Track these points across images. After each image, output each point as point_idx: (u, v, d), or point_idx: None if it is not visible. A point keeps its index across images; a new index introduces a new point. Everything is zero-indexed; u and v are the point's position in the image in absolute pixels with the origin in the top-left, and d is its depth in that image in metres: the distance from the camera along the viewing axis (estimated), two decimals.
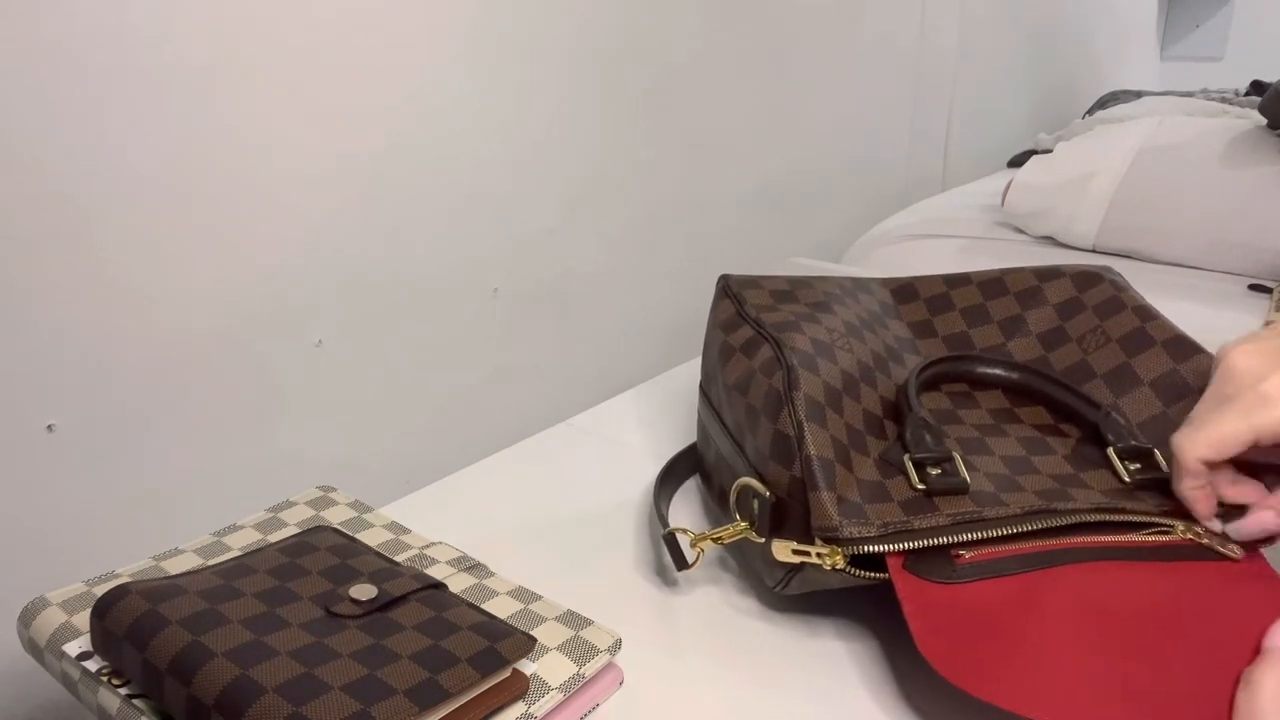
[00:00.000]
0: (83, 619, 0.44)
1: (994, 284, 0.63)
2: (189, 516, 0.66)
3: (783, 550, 0.46)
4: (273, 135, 0.66)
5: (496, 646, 0.41)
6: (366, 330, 0.76)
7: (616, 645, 0.45)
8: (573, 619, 0.46)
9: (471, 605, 0.45)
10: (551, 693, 0.42)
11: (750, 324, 0.58)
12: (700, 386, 0.64)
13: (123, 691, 0.41)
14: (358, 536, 0.52)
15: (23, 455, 0.58)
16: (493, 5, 0.78)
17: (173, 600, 0.42)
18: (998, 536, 0.45)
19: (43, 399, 0.58)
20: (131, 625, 0.41)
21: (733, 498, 0.51)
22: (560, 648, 0.44)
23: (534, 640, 0.43)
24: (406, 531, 0.54)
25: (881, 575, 0.45)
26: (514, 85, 0.82)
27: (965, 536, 0.45)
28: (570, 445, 0.72)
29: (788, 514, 0.47)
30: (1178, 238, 1.23)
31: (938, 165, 1.66)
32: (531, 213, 0.88)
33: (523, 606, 0.47)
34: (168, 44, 0.59)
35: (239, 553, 0.50)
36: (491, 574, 0.50)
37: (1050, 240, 1.30)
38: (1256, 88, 1.86)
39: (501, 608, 0.47)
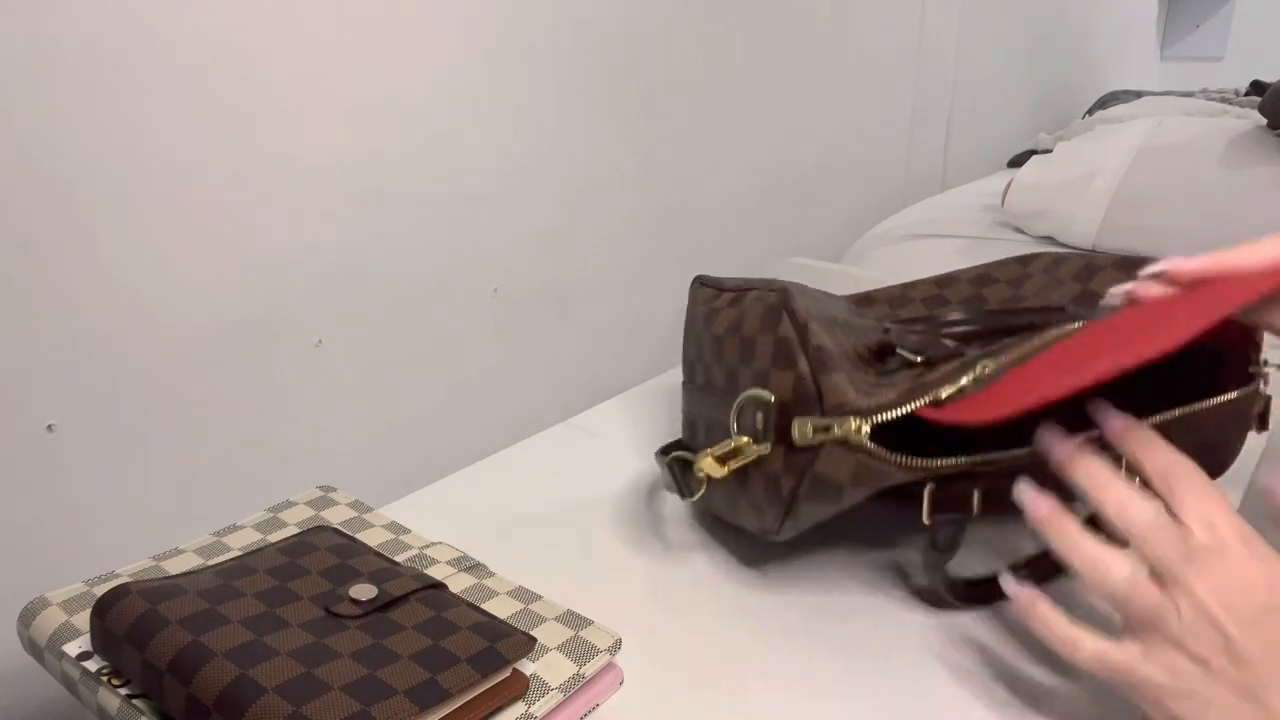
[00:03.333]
0: (83, 619, 0.44)
1: (945, 278, 0.67)
2: (189, 516, 0.66)
3: (803, 429, 0.45)
4: (272, 135, 0.66)
5: (496, 646, 0.41)
6: (366, 330, 0.76)
7: (616, 645, 0.45)
8: (573, 619, 0.46)
9: (471, 605, 0.45)
10: (551, 693, 0.42)
11: (731, 290, 0.58)
12: (683, 385, 0.64)
13: (123, 691, 0.41)
14: (358, 536, 0.52)
15: (23, 455, 0.58)
16: (493, 5, 0.78)
17: (173, 600, 0.42)
18: (1009, 362, 0.45)
19: (43, 399, 0.58)
20: (131, 625, 0.41)
21: (734, 415, 0.50)
22: (560, 648, 0.44)
23: (534, 640, 0.43)
24: (406, 531, 0.54)
25: (897, 459, 0.45)
26: (514, 85, 0.82)
27: (979, 369, 0.45)
28: (570, 445, 0.72)
29: (792, 419, 0.47)
30: (1178, 238, 1.23)
31: (938, 165, 1.66)
32: (531, 213, 0.88)
33: (523, 606, 0.47)
34: (168, 42, 0.59)
35: (239, 553, 0.50)
36: (491, 574, 0.50)
37: (1050, 240, 1.30)
38: (1256, 88, 1.85)
39: (501, 608, 0.47)
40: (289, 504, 0.56)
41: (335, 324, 0.73)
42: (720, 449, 0.50)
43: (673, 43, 0.98)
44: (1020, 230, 1.33)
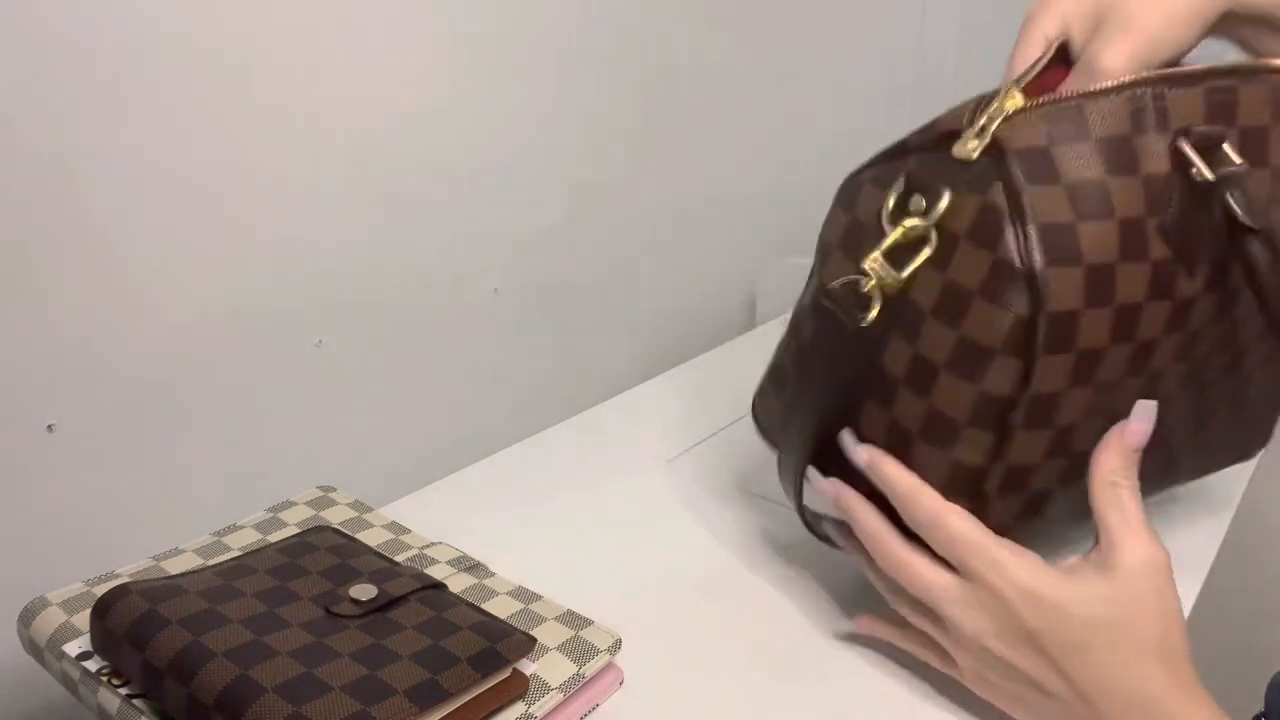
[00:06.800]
0: (83, 619, 0.44)
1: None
2: (189, 516, 0.66)
3: (964, 143, 0.40)
4: (271, 135, 0.66)
5: (496, 646, 0.41)
6: (366, 330, 0.75)
7: (616, 645, 0.45)
8: (573, 619, 0.46)
9: (471, 605, 0.45)
10: (551, 693, 0.42)
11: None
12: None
13: (123, 691, 0.41)
14: (358, 536, 0.52)
15: (23, 455, 0.58)
16: (493, 4, 0.78)
17: (173, 600, 0.42)
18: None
19: (43, 399, 0.58)
20: (131, 625, 0.41)
21: (887, 214, 0.43)
22: (560, 648, 0.44)
23: (534, 640, 0.43)
24: (406, 531, 0.54)
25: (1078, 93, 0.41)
26: (514, 85, 0.82)
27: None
28: (570, 445, 0.72)
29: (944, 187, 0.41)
30: None
31: None
32: (531, 213, 0.88)
33: (523, 606, 0.47)
34: (167, 45, 0.59)
35: (239, 553, 0.50)
36: (491, 574, 0.50)
37: None
38: None
39: (501, 608, 0.47)
40: (289, 504, 0.56)
41: (335, 324, 0.73)
42: (887, 241, 0.41)
43: (673, 43, 0.98)
44: None
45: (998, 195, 0.39)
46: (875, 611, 0.49)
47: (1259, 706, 0.70)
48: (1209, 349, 0.44)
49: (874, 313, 0.42)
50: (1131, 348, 0.41)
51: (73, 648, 0.43)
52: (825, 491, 0.46)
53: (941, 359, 0.41)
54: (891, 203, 0.42)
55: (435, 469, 0.69)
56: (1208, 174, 0.39)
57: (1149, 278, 0.40)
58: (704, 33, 1.02)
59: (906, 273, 0.41)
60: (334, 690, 0.37)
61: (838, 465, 0.46)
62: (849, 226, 0.47)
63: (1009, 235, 0.38)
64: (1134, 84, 0.41)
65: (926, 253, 0.41)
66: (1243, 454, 0.53)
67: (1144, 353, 0.41)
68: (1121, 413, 0.42)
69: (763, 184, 1.19)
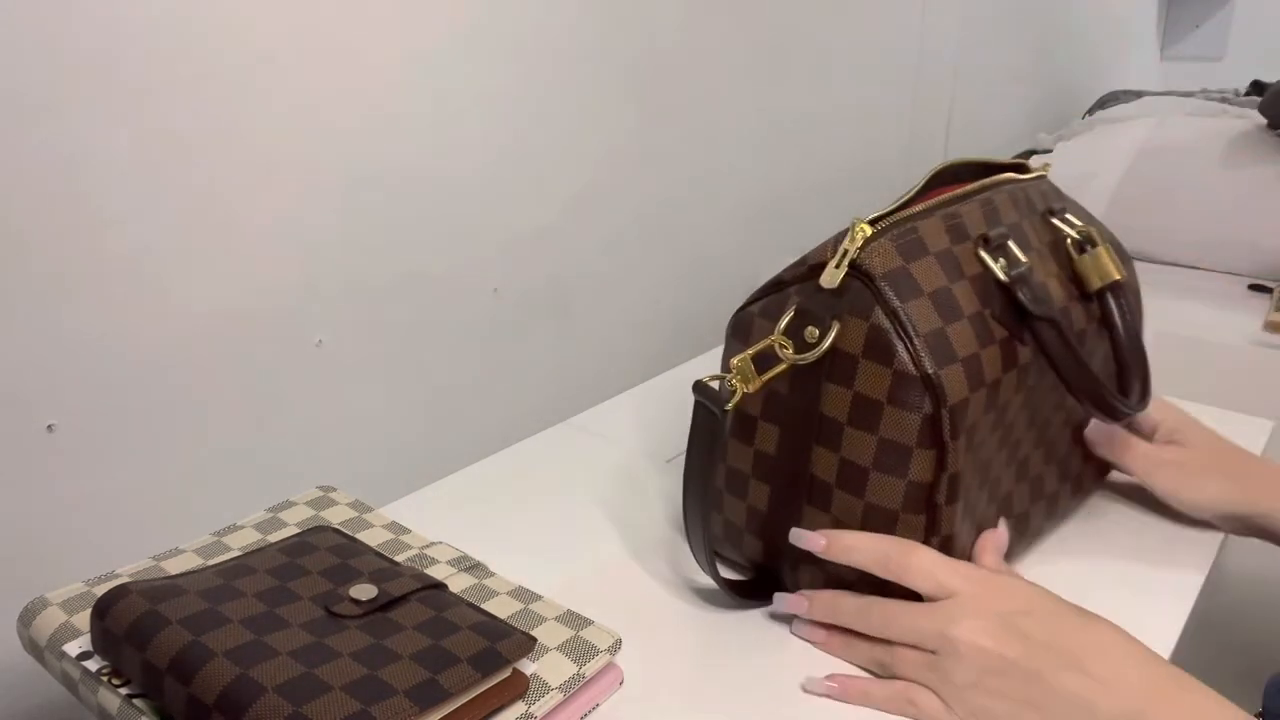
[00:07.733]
0: (83, 619, 0.44)
1: None
2: (189, 516, 0.66)
3: (830, 273, 0.46)
4: (271, 135, 0.66)
5: (497, 646, 0.41)
6: (366, 330, 0.75)
7: (616, 645, 0.45)
8: (573, 619, 0.46)
9: (471, 605, 0.45)
10: (551, 693, 0.42)
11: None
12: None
13: (123, 691, 0.41)
14: (358, 536, 0.52)
15: (23, 455, 0.58)
16: (495, 6, 0.78)
17: (173, 600, 0.42)
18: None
19: (43, 399, 0.58)
20: (131, 625, 0.41)
21: (783, 326, 0.47)
22: (560, 648, 0.44)
23: (534, 640, 0.43)
24: (406, 531, 0.54)
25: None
26: (513, 84, 0.82)
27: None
28: (570, 445, 0.72)
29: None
30: (1178, 238, 1.23)
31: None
32: (531, 213, 0.88)
33: (523, 606, 0.47)
34: (167, 43, 0.59)
35: (239, 553, 0.50)
36: (491, 574, 0.50)
37: None
38: (1256, 88, 1.85)
39: (501, 608, 0.47)
40: (289, 504, 0.56)
41: (335, 324, 0.73)
42: (760, 346, 0.47)
43: (673, 43, 0.98)
44: None
45: (879, 317, 0.45)
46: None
47: (1257, 706, 0.70)
48: (1043, 394, 0.52)
49: (734, 401, 0.47)
50: (995, 413, 0.48)
51: (73, 648, 0.43)
52: (798, 608, 0.50)
53: (868, 460, 0.47)
54: (784, 327, 0.47)
55: (435, 469, 0.69)
56: (1001, 276, 0.48)
57: (1000, 356, 0.48)
58: (703, 33, 1.02)
59: (765, 376, 0.47)
60: (334, 690, 0.37)
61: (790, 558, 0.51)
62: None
63: (900, 349, 0.45)
64: (941, 204, 0.50)
65: (781, 367, 0.47)
66: (1103, 471, 0.62)
67: (1002, 413, 0.49)
68: (987, 463, 0.50)
69: (763, 184, 1.19)
